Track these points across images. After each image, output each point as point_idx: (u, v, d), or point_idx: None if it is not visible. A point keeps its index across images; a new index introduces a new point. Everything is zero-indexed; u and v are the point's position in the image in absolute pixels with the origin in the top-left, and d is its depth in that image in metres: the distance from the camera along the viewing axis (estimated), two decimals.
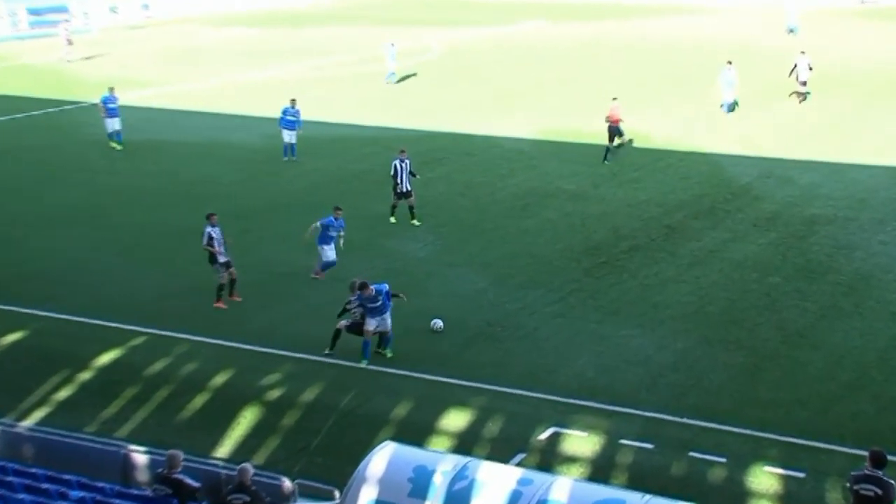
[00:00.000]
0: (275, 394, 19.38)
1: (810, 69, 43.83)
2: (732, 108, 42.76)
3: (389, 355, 20.56)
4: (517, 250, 27.23)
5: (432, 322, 22.09)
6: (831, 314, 22.84)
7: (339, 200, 31.70)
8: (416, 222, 28.88)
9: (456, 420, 18.31)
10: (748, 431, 17.76)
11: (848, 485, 13.82)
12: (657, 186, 32.92)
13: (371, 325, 20.41)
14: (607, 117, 36.03)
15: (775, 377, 19.84)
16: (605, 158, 35.49)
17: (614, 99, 36.66)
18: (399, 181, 28.84)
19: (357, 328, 20.61)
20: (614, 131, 35.94)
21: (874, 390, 19.29)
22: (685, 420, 18.16)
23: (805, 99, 44.18)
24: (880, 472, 13.56)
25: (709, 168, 35.01)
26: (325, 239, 24.75)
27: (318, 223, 24.67)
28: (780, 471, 16.61)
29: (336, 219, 24.83)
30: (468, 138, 39.96)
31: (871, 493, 13.43)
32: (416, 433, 17.52)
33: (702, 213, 30.05)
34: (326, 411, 18.61)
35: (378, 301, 20.29)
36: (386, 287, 20.58)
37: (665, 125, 40.86)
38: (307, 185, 33.73)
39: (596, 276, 25.17)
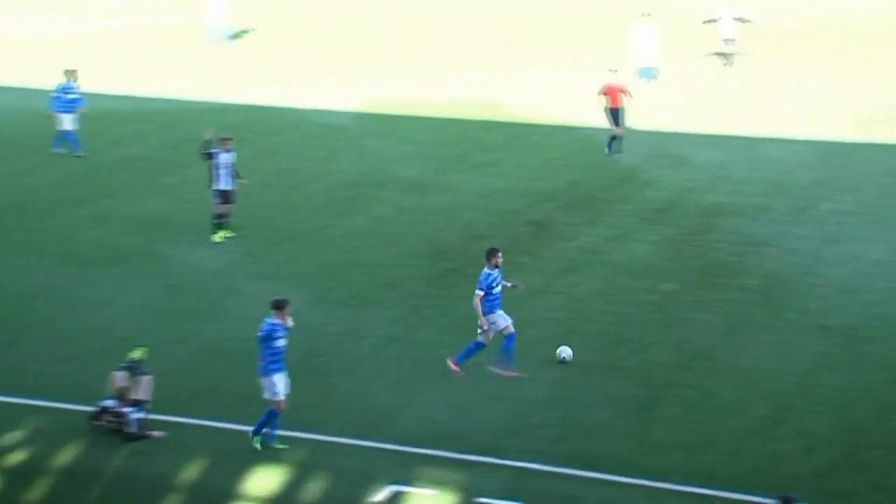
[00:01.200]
0: (17, 457, 18.90)
1: (741, 20, 44.44)
2: (651, 74, 43.22)
3: (256, 446, 19.04)
4: (340, 258, 27.22)
5: (559, 351, 21.78)
6: (741, 329, 23.55)
7: (101, 193, 31.13)
8: (220, 236, 27.89)
9: (265, 480, 18.16)
10: (642, 482, 18.08)
11: None
12: (518, 171, 33.40)
13: (277, 387, 18.85)
14: (603, 91, 34.43)
15: (674, 412, 20.30)
16: (608, 147, 34.64)
17: (613, 71, 35.20)
18: (216, 177, 27.81)
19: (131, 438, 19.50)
20: (615, 115, 34.49)
21: (797, 425, 19.90)
22: (562, 470, 18.39)
23: (730, 62, 45.08)
24: None
25: (583, 146, 35.70)
26: (491, 304, 21.63)
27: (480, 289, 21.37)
28: None
29: (495, 268, 21.58)
30: (272, 112, 39.96)
31: None
32: (211, 500, 17.41)
33: (575, 205, 30.61)
34: (89, 476, 18.25)
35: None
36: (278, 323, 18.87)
37: (529, 91, 41.64)
38: (59, 177, 33.16)
39: (444, 287, 25.36)
